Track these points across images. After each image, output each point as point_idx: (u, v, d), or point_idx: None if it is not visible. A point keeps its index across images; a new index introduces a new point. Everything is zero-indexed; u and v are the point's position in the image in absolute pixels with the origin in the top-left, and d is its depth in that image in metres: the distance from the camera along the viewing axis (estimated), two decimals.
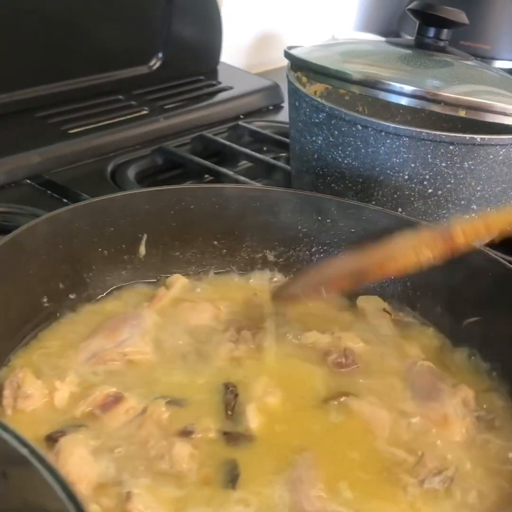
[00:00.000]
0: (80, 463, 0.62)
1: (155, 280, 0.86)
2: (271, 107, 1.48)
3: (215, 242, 0.88)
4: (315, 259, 0.89)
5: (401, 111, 1.12)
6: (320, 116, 0.91)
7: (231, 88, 1.49)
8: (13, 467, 0.43)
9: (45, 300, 0.77)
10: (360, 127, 0.87)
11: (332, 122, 0.89)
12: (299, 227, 0.88)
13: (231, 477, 0.62)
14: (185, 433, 0.65)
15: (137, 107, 1.35)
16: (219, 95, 1.46)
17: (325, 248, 0.88)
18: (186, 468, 0.62)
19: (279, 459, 0.64)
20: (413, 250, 0.74)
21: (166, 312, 0.81)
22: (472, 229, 0.74)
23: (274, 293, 0.82)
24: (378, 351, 0.79)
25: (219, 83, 1.50)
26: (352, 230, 0.86)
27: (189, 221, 0.86)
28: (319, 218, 0.87)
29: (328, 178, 0.95)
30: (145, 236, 0.84)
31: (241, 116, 1.41)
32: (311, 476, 0.63)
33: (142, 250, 0.84)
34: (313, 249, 0.89)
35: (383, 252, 0.76)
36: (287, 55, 0.98)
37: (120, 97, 1.37)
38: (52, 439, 0.64)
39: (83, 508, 0.40)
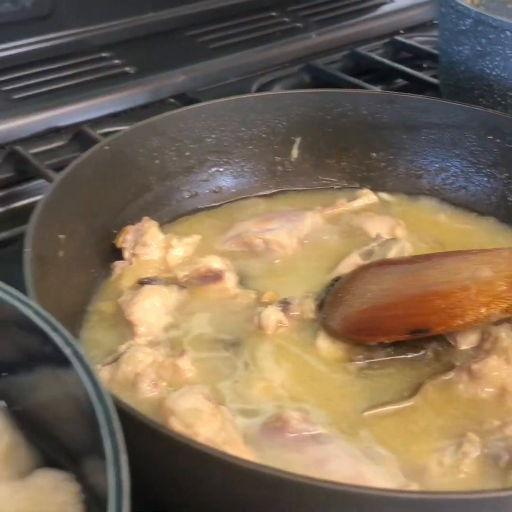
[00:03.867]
0: (149, 309, 0.69)
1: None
2: (436, 22, 1.41)
3: (373, 154, 0.89)
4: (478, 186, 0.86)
5: None
6: (466, 22, 0.89)
7: (392, 1, 1.46)
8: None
9: (185, 188, 0.85)
10: (509, 34, 0.85)
11: (479, 29, 0.87)
12: (468, 144, 0.85)
13: None
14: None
15: (290, 24, 1.37)
16: (378, 9, 1.45)
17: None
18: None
19: None
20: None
21: (333, 220, 0.84)
22: None
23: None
24: None
25: None
26: None
27: (347, 128, 0.87)
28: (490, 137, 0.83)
29: (476, 91, 0.93)
30: (298, 139, 0.88)
31: (401, 32, 1.39)
32: None
33: (295, 153, 0.88)
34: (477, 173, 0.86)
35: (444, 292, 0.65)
36: None
37: (273, 14, 1.40)
38: (141, 283, 0.73)
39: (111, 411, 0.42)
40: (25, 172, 1.02)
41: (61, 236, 0.70)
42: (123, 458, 0.40)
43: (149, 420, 0.50)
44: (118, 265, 0.77)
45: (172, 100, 1.17)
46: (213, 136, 0.85)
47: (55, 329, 0.47)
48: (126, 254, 0.77)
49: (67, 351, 0.46)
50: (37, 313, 0.48)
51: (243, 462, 0.48)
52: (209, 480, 0.50)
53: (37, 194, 0.99)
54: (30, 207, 0.97)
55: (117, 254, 0.78)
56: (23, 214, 0.96)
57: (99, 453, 0.44)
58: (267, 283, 0.76)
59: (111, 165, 0.77)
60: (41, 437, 0.55)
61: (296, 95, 0.88)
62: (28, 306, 0.49)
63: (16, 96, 1.15)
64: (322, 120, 0.87)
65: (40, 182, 1.00)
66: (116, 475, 0.39)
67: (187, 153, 0.84)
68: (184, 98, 1.16)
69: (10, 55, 1.21)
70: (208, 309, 0.72)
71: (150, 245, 0.76)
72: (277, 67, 1.26)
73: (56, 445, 0.55)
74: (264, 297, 0.73)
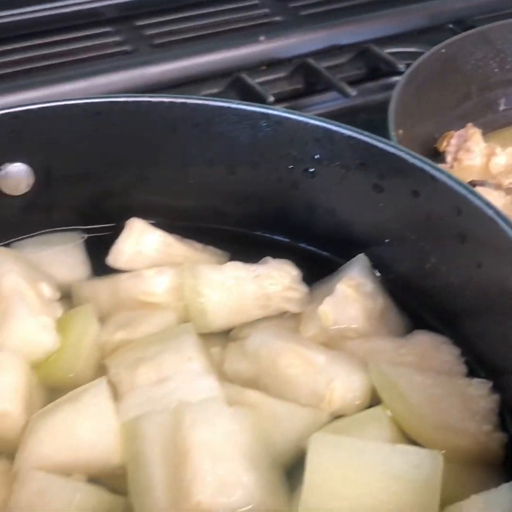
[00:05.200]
0: None
1: None
2: None
3: None
4: None
5: None
6: None
7: None
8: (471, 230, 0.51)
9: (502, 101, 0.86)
10: None
11: None
12: None
13: None
14: None
15: None
16: None
17: None
18: None
19: None
20: None
21: None
22: None
23: None
24: None
25: None
26: None
27: None
28: None
29: None
30: None
31: None
32: None
33: None
34: None
35: None
36: None
37: None
38: (473, 184, 0.73)
39: None
40: (313, 84, 1.05)
41: (400, 131, 0.72)
42: None
43: None
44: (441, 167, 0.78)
45: (451, 25, 1.17)
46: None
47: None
48: (448, 158, 0.79)
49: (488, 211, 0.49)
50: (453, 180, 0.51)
51: None
52: None
53: (322, 108, 1.02)
54: None
55: (434, 157, 0.80)
56: None
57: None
58: None
59: (442, 70, 0.80)
60: (414, 302, 0.59)
61: None
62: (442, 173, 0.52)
63: (303, 13, 1.19)
64: None
65: (325, 95, 1.03)
66: None
67: (508, 66, 0.85)
68: (463, 25, 1.15)
69: None
70: None
71: (473, 151, 0.78)
72: None
73: (432, 310, 0.58)
74: None
